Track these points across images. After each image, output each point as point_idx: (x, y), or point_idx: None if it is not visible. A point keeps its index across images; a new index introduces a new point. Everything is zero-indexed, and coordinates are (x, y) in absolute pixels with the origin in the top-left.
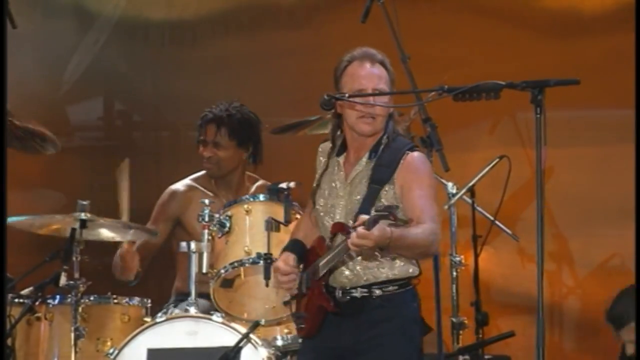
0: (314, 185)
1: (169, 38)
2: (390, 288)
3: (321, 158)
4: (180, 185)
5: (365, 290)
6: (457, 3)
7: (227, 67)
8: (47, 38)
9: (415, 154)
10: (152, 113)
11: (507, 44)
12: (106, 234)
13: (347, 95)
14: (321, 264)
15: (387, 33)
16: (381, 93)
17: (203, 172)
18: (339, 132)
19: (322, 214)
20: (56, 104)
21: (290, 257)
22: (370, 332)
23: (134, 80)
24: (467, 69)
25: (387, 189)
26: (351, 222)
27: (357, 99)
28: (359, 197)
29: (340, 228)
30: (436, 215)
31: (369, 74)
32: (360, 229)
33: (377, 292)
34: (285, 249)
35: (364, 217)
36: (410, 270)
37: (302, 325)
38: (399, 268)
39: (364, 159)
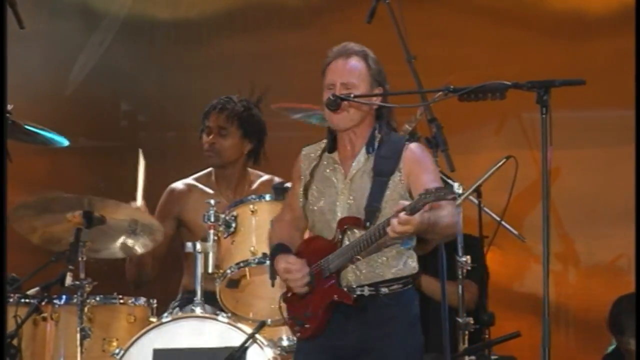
0: (306, 179)
1: (175, 38)
2: (396, 286)
3: (306, 161)
4: (179, 184)
5: (372, 288)
6: (463, 4)
7: (232, 67)
8: (54, 38)
9: (414, 144)
10: (158, 113)
11: (513, 45)
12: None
13: (352, 95)
14: (332, 259)
15: (393, 33)
16: (387, 93)
17: (205, 170)
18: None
19: (320, 212)
20: (62, 103)
21: (291, 257)
22: (378, 331)
23: (139, 80)
24: (472, 70)
25: (393, 179)
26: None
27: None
28: (363, 191)
29: (354, 222)
30: None
31: (337, 69)
32: (403, 215)
33: (384, 290)
34: (277, 252)
35: (403, 202)
36: (413, 266)
37: (307, 326)
38: (403, 265)
39: (362, 154)
